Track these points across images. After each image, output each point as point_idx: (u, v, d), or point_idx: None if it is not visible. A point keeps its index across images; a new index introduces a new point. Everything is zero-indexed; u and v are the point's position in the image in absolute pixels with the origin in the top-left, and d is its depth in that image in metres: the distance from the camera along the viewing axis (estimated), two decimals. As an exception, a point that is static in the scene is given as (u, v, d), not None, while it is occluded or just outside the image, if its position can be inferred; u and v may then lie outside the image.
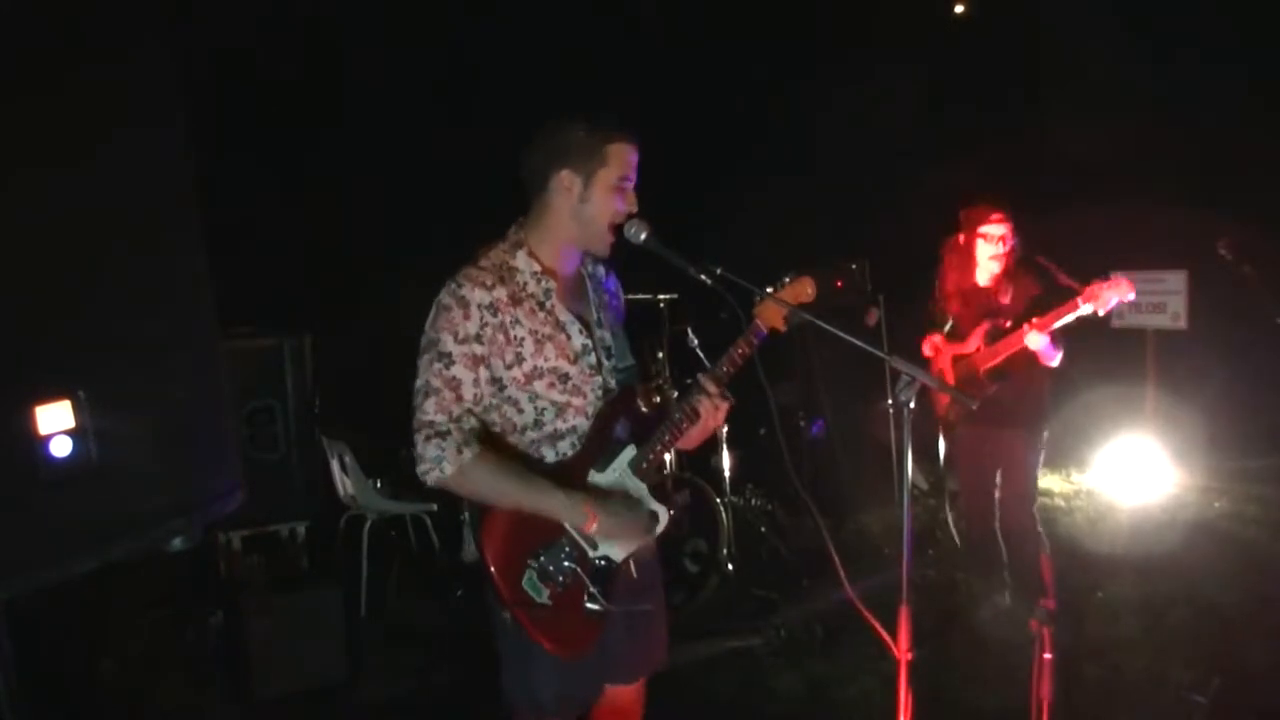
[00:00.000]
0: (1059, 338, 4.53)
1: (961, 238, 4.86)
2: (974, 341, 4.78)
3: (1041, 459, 4.90)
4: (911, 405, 2.59)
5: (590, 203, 2.54)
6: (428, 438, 2.44)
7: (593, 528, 2.51)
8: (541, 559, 2.53)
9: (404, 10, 7.56)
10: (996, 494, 4.90)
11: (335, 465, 5.87)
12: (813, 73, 8.58)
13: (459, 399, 2.45)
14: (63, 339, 1.54)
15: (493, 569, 2.50)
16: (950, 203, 4.89)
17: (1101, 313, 4.40)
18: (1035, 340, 4.48)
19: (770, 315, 2.67)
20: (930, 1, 8.98)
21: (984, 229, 4.73)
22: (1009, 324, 4.67)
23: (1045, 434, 4.86)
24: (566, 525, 2.55)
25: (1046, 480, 7.99)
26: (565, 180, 2.53)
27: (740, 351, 2.66)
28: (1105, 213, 7.21)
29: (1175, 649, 4.64)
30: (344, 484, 5.87)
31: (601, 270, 2.82)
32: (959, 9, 9.00)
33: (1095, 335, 7.21)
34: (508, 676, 2.69)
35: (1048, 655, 3.37)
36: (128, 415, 1.63)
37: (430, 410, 2.44)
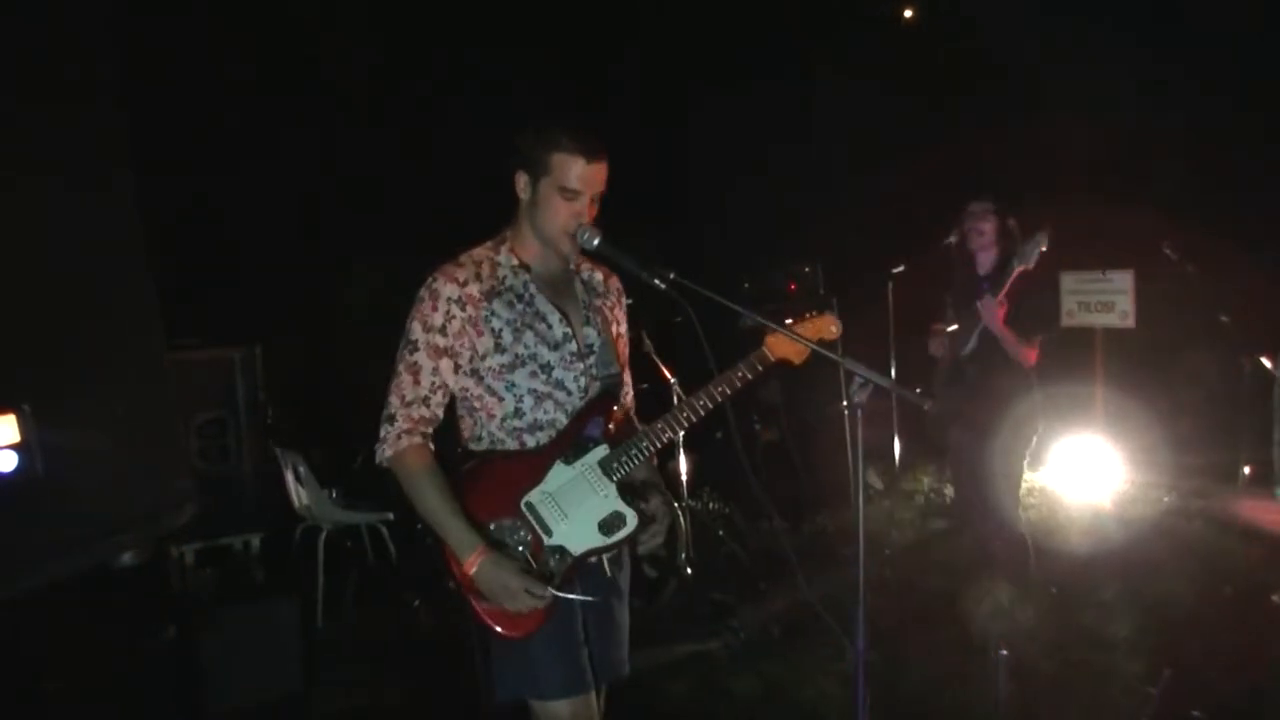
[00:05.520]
0: (1026, 324, 4.53)
1: (955, 234, 4.85)
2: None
3: (1025, 462, 4.77)
4: (864, 407, 2.60)
5: (538, 206, 2.64)
6: (383, 421, 2.59)
7: (471, 570, 2.48)
8: (492, 530, 2.55)
9: (365, 9, 7.52)
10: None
11: (289, 476, 5.80)
12: (767, 75, 8.63)
13: (415, 384, 2.58)
14: (6, 353, 1.52)
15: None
16: (902, 206, 4.94)
17: (1031, 264, 4.46)
18: (984, 310, 4.48)
19: (782, 346, 2.72)
20: (881, 4, 9.07)
21: (966, 213, 4.74)
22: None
23: (1034, 438, 4.73)
24: (521, 506, 2.58)
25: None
26: (520, 182, 2.67)
27: (741, 376, 2.70)
28: (1053, 214, 7.32)
29: (1126, 642, 4.72)
30: (298, 495, 5.81)
31: (599, 276, 2.89)
32: (908, 14, 9.09)
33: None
34: (506, 676, 2.63)
35: (1004, 651, 3.43)
36: (75, 429, 1.61)
37: (392, 394, 2.59)
